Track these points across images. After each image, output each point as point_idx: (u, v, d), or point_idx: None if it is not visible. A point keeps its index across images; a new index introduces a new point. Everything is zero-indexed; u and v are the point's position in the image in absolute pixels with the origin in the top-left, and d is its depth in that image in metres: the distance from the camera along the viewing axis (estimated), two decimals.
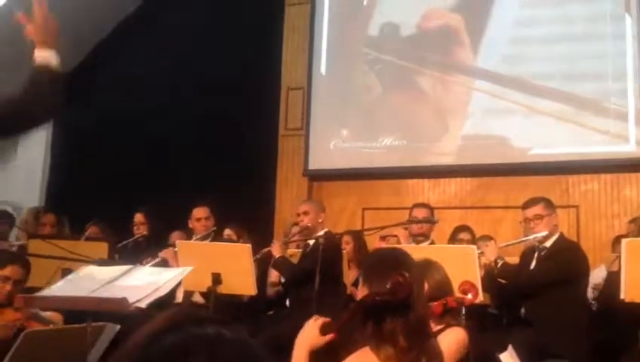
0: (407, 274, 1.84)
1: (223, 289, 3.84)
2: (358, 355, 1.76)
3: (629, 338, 3.54)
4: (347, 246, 4.89)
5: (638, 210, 4.77)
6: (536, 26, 5.85)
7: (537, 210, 3.95)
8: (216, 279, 3.78)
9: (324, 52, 6.66)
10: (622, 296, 3.17)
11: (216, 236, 4.84)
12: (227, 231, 4.95)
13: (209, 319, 0.74)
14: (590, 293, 4.23)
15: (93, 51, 6.87)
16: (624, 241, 3.25)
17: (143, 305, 2.03)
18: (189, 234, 4.92)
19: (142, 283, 2.10)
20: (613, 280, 3.41)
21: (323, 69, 6.67)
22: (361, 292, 1.88)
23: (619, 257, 3.40)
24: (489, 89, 5.93)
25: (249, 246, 4.01)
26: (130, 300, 2.06)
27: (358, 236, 5.05)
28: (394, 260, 1.87)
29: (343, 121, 6.51)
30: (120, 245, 4.93)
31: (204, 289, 3.93)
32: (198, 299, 4.39)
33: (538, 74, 5.73)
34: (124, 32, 7.03)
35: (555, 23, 5.76)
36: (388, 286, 1.75)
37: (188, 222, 4.89)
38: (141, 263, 3.70)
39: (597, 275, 4.32)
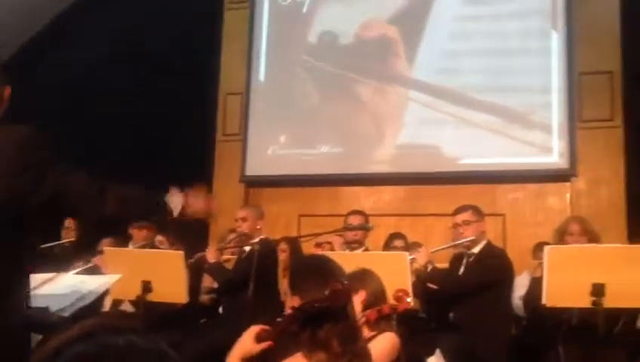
0: (345, 282, 1.89)
1: (153, 297, 3.77)
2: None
3: (550, 342, 3.70)
4: (283, 254, 4.90)
5: (560, 218, 4.98)
6: (468, 40, 6.05)
7: (466, 216, 4.09)
8: (146, 287, 3.71)
9: (263, 58, 6.67)
10: (543, 301, 3.32)
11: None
12: (159, 238, 4.86)
13: (123, 328, 0.74)
14: (517, 300, 4.39)
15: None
16: (547, 248, 3.40)
17: (67, 313, 1.97)
18: (126, 241, 4.79)
19: (65, 291, 2.03)
20: (536, 285, 3.56)
21: (262, 75, 6.67)
22: (291, 301, 1.88)
23: (541, 263, 3.55)
24: (423, 100, 6.09)
25: (181, 253, 3.95)
26: (53, 309, 2.00)
27: (294, 243, 5.07)
28: (328, 268, 1.90)
29: (281, 128, 6.52)
30: (42, 246, 4.71)
31: (134, 298, 3.85)
32: (127, 307, 4.28)
33: (469, 86, 5.93)
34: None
35: (487, 37, 5.99)
36: (326, 294, 1.77)
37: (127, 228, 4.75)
38: (66, 270, 3.58)
39: (521, 281, 4.49)
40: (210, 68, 6.68)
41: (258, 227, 4.42)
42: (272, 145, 6.49)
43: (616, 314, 3.53)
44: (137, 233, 4.64)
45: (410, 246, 4.70)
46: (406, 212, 6.07)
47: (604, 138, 5.62)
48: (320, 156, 6.32)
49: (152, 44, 6.47)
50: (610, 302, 3.17)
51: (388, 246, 4.85)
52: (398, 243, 4.84)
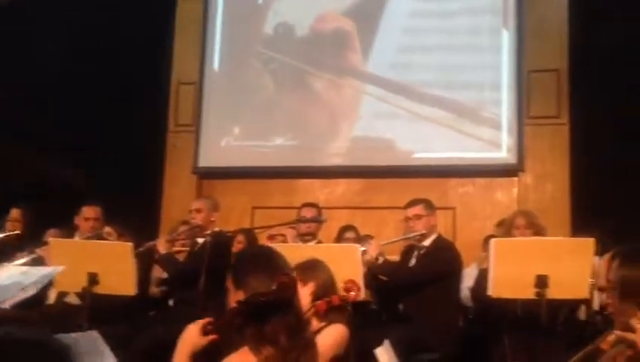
0: (292, 274, 1.89)
1: (100, 289, 3.69)
2: (237, 356, 1.76)
3: (496, 333, 3.80)
4: (239, 246, 4.86)
5: (508, 212, 5.11)
6: (422, 35, 6.13)
7: (417, 210, 4.15)
8: (93, 279, 3.63)
9: (217, 47, 6.58)
10: (489, 293, 3.41)
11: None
12: (107, 229, 4.74)
13: (6, 319, 0.75)
14: (465, 291, 4.49)
15: None
16: (492, 241, 3.49)
17: (7, 305, 1.91)
18: (71, 232, 4.65)
19: (6, 282, 1.97)
20: (483, 277, 3.64)
21: (216, 65, 6.59)
22: (235, 295, 1.86)
23: (488, 256, 3.64)
24: (378, 93, 6.14)
25: (130, 244, 3.88)
26: None
27: (250, 235, 5.04)
28: (273, 260, 1.90)
29: (235, 119, 6.47)
30: None
31: (79, 290, 3.76)
32: (73, 299, 4.18)
33: (423, 81, 6.01)
34: None
35: (440, 33, 6.07)
36: (273, 287, 1.77)
37: (74, 219, 4.61)
38: (9, 262, 3.47)
39: (470, 273, 4.59)
40: (163, 56, 6.56)
41: (212, 219, 4.38)
42: (226, 136, 6.43)
43: (558, 305, 3.65)
44: (84, 224, 4.52)
45: (361, 239, 4.75)
46: (359, 205, 6.13)
47: (550, 135, 5.79)
48: (274, 148, 6.30)
49: (102, 31, 6.31)
50: (552, 293, 3.27)
51: (339, 238, 4.89)
52: (349, 235, 4.89)
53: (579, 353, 1.79)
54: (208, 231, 4.26)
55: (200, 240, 4.37)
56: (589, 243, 3.27)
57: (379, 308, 4.50)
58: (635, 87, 5.20)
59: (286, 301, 1.77)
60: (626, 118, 5.21)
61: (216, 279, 4.03)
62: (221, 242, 4.27)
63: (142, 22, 6.32)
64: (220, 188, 6.42)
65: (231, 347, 1.81)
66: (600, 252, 3.61)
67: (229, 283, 1.94)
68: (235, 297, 1.86)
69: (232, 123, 6.45)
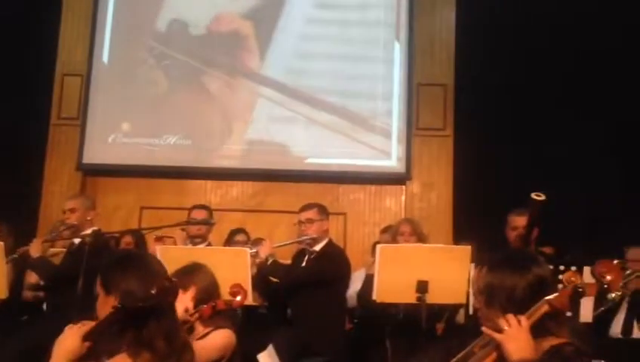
0: (173, 279, 1.85)
1: None
2: None
3: (379, 336, 3.92)
4: (127, 247, 4.66)
5: (396, 218, 5.29)
6: (317, 43, 6.23)
7: (310, 214, 4.19)
8: None
9: (107, 39, 6.30)
10: (374, 297, 3.50)
11: None
12: None
13: None
14: (353, 295, 4.59)
15: None
16: (378, 247, 3.60)
17: None
18: None
19: None
20: (369, 282, 3.74)
21: (105, 57, 6.30)
22: (105, 300, 1.81)
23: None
24: (274, 97, 6.15)
25: (1, 244, 3.61)
26: None
27: (139, 236, 4.86)
28: (147, 264, 1.86)
29: (124, 115, 6.22)
30: None
31: None
32: None
33: (318, 87, 6.10)
34: None
35: (337, 43, 6.19)
36: (153, 292, 1.73)
37: None
38: None
39: (358, 277, 4.70)
40: (48, 45, 6.17)
41: (89, 218, 4.17)
42: (114, 132, 6.17)
43: (439, 309, 3.82)
44: None
45: (253, 242, 4.72)
46: (253, 208, 6.12)
47: (437, 146, 6.08)
48: (166, 147, 6.13)
49: None
50: (432, 298, 3.42)
51: (229, 241, 4.85)
52: (239, 238, 4.85)
53: (457, 356, 1.87)
54: (87, 231, 4.05)
55: (77, 241, 4.14)
56: (466, 250, 3.46)
57: (268, 312, 4.50)
58: (515, 106, 5.58)
59: (165, 306, 1.75)
60: (504, 134, 5.58)
61: (95, 281, 3.85)
62: (100, 243, 4.07)
63: (27, 7, 5.93)
64: (105, 187, 6.17)
65: (107, 352, 1.77)
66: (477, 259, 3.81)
67: (99, 288, 1.89)
68: (105, 302, 1.82)
69: (121, 119, 6.20)
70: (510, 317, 1.72)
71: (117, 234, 4.81)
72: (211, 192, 6.18)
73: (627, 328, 4.20)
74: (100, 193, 5.97)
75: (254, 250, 4.05)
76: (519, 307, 1.74)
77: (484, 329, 1.77)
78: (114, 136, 6.17)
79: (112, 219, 5.76)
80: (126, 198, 6.13)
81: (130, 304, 1.72)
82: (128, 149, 6.14)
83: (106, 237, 4.29)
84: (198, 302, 2.55)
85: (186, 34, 6.31)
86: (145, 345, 1.71)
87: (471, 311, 4.22)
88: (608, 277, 1.92)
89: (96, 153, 6.14)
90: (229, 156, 6.17)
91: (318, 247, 4.18)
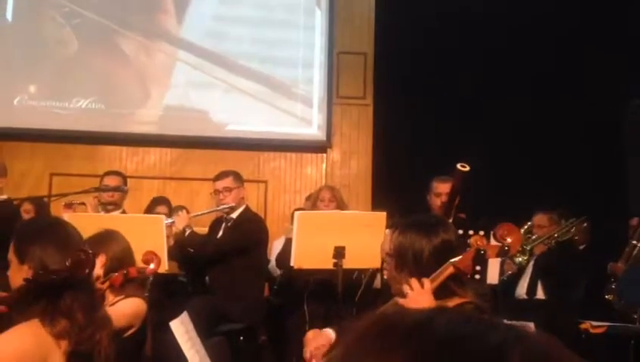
0: (89, 251, 1.80)
1: None
2: (25, 327, 1.66)
3: (297, 302, 3.96)
4: (27, 216, 4.44)
5: (317, 186, 5.32)
6: (239, 7, 6.07)
7: (227, 182, 4.13)
8: None
9: None
10: (292, 263, 3.52)
11: None
12: None
13: None
14: (273, 261, 4.60)
15: None
16: (297, 213, 3.62)
17: None
18: None
19: None
20: (288, 248, 3.75)
21: (9, 15, 5.88)
22: (18, 269, 1.75)
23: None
24: (192, 61, 5.97)
25: (162, 216, 3.40)
26: None
27: (40, 204, 4.64)
28: (64, 234, 1.80)
29: (30, 76, 5.86)
30: None
31: None
32: None
33: (238, 53, 5.96)
34: None
35: (257, 7, 6.06)
36: (68, 264, 1.69)
37: None
38: None
39: (278, 244, 4.72)
40: None
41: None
42: (20, 94, 5.81)
43: (358, 275, 3.90)
44: None
45: (173, 209, 4.63)
46: (171, 175, 5.97)
47: (357, 114, 6.13)
48: (76, 111, 5.84)
49: None
50: (349, 263, 3.47)
51: (150, 211, 4.71)
52: (161, 209, 4.72)
53: None
54: None
55: None
56: (381, 216, 3.53)
57: (187, 280, 4.44)
58: (434, 76, 5.68)
59: (81, 278, 1.71)
60: (424, 103, 5.68)
61: (3, 251, 3.66)
62: (9, 212, 3.88)
63: None
64: (11, 152, 5.81)
65: (21, 317, 1.71)
66: None
67: (12, 256, 1.82)
68: (18, 271, 1.76)
69: (28, 80, 5.84)
70: (413, 281, 1.76)
71: (16, 202, 4.57)
72: (127, 159, 5.97)
73: (532, 289, 4.47)
74: (6, 159, 5.59)
75: (171, 220, 3.98)
76: (426, 270, 1.79)
77: (393, 292, 1.82)
78: (19, 98, 5.81)
79: (19, 186, 5.46)
80: (34, 164, 5.82)
81: (42, 278, 1.68)
82: (36, 112, 5.80)
83: (14, 206, 4.08)
84: (109, 269, 2.47)
85: None
86: (62, 314, 1.66)
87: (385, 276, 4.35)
88: (509, 240, 2.00)
89: (0, 116, 5.77)
90: (145, 122, 5.97)
91: (235, 215, 4.15)
